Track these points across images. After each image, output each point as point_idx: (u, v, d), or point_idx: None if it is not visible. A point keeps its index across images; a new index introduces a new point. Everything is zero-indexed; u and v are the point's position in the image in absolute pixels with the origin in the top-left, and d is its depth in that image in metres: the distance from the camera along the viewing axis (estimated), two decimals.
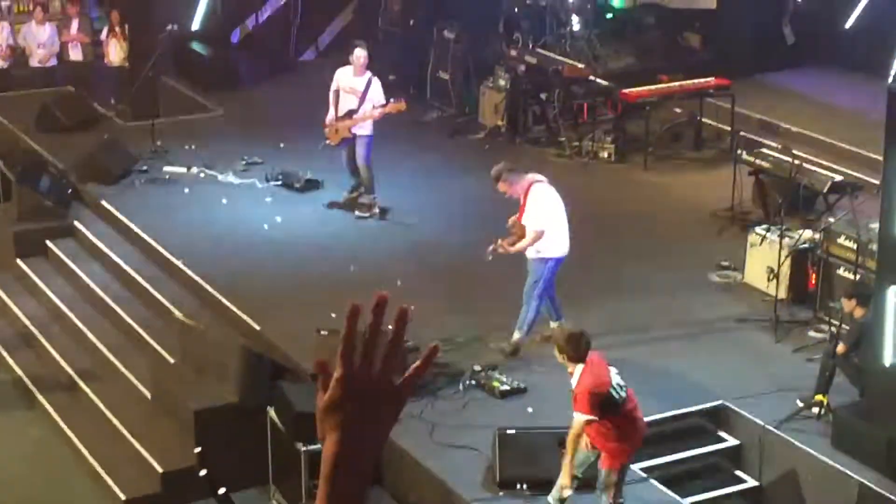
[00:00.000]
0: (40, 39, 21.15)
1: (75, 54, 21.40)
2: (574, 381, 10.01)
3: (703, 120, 18.36)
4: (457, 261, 14.60)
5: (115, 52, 20.92)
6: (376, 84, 15.70)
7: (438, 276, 14.42)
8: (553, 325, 12.54)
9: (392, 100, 15.78)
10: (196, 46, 21.79)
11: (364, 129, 15.73)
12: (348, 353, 2.94)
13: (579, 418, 9.93)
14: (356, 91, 15.65)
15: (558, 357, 10.21)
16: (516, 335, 12.54)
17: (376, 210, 15.91)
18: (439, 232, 15.55)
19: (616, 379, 10.09)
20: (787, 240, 13.55)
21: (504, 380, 12.10)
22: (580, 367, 10.01)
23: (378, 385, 2.94)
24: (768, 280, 13.66)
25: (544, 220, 12.27)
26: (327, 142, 16.00)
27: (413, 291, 13.98)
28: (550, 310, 12.67)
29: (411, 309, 2.98)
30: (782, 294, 13.45)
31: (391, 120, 18.79)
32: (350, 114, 15.67)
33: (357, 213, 15.91)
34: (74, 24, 21.39)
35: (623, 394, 10.08)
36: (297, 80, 21.41)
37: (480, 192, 16.65)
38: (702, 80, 18.56)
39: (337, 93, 15.82)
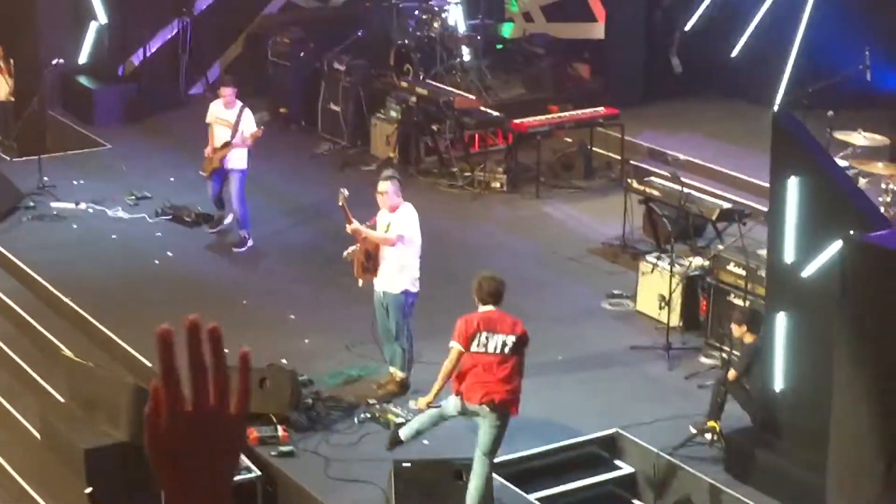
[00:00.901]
0: None
1: None
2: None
3: (594, 149, 18.50)
4: (349, 294, 14.55)
5: (0, 87, 20.61)
6: (248, 114, 15.74)
7: (331, 310, 14.34)
8: (392, 369, 12.58)
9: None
10: (83, 80, 21.54)
11: (237, 162, 15.68)
12: (173, 386, 2.66)
13: (451, 345, 10.75)
14: (228, 122, 15.68)
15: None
16: (400, 374, 12.48)
17: (250, 243, 15.88)
18: (332, 265, 15.48)
19: (498, 338, 10.60)
20: (677, 267, 13.67)
21: (399, 412, 12.06)
22: (481, 308, 10.81)
23: (213, 417, 2.67)
24: (660, 308, 13.77)
25: (409, 238, 12.18)
26: (200, 172, 15.99)
27: (307, 325, 13.96)
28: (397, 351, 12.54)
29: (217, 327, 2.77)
30: (674, 321, 13.57)
31: (284, 152, 18.75)
32: (226, 145, 15.66)
33: (234, 248, 15.89)
34: None
35: (491, 350, 10.61)
36: (186, 114, 21.22)
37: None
38: (591, 109, 18.72)
39: (211, 126, 15.83)
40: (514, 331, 10.67)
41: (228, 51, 22.79)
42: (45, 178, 17.68)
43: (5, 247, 16.06)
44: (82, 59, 21.72)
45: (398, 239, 12.13)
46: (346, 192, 12.43)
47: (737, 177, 17.39)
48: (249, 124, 15.69)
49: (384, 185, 12.30)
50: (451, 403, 10.83)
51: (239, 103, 15.78)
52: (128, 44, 21.77)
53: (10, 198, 17.20)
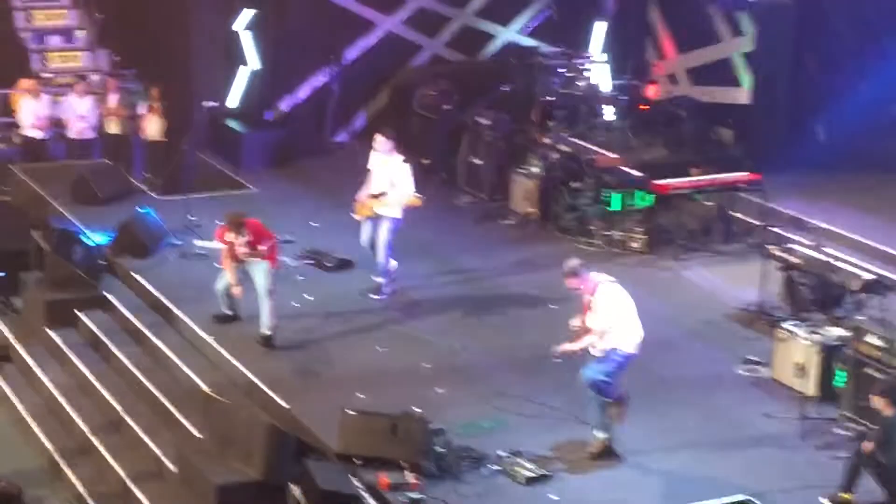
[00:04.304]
0: (79, 112, 21.41)
1: (113, 127, 21.63)
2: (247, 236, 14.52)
3: (734, 214, 18.42)
4: (485, 345, 14.67)
5: (153, 127, 21.16)
6: (404, 168, 15.82)
7: (466, 360, 14.43)
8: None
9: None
10: (232, 123, 22.01)
11: (391, 210, 15.83)
12: None
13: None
14: (384, 172, 15.81)
15: (235, 238, 14.52)
16: (601, 435, 12.38)
17: (385, 292, 16.01)
18: (464, 316, 15.63)
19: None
20: (816, 336, 13.55)
21: (529, 466, 12.08)
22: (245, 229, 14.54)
23: None
24: (795, 377, 13.65)
25: (612, 320, 12.11)
26: (353, 215, 16.11)
27: (439, 375, 14.07)
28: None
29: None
30: (810, 391, 13.43)
31: (424, 203, 18.91)
32: (381, 194, 15.79)
33: (370, 294, 16.07)
34: (113, 98, 21.64)
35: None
36: (330, 161, 21.64)
37: (511, 278, 16.76)
38: (733, 174, 18.65)
39: (370, 171, 15.98)
40: None
41: (374, 101, 23.13)
42: (191, 217, 18.05)
43: (149, 282, 16.44)
44: (232, 102, 22.19)
45: (602, 333, 12.10)
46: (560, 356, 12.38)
47: (880, 248, 17.19)
48: (400, 178, 15.74)
49: (569, 283, 12.30)
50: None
51: (399, 157, 15.85)
52: (277, 90, 22.21)
53: (157, 235, 17.60)
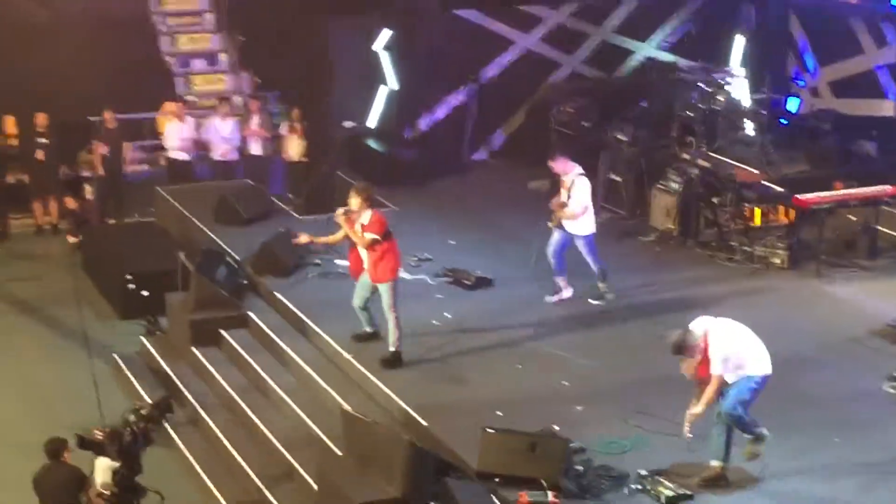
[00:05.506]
0: (223, 133, 21.78)
1: (255, 149, 21.98)
2: (365, 219, 14.39)
3: (879, 228, 18.10)
4: (627, 365, 14.60)
5: (294, 148, 21.46)
6: (579, 184, 15.96)
7: (607, 379, 14.37)
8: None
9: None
10: (372, 143, 22.20)
11: (578, 228, 16.02)
12: None
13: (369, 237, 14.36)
14: (566, 185, 16.03)
15: (355, 205, 14.37)
16: (715, 463, 12.04)
17: (609, 296, 16.32)
18: (603, 333, 15.56)
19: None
20: None
21: (670, 486, 11.96)
22: (370, 211, 14.39)
23: None
24: None
25: (727, 357, 11.73)
26: (548, 223, 16.34)
27: (579, 393, 14.01)
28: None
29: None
30: None
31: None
32: (563, 205, 16.05)
33: (590, 299, 16.40)
34: (255, 120, 21.98)
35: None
36: (469, 179, 21.72)
37: (652, 296, 16.64)
38: (878, 187, 18.33)
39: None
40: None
41: (513, 118, 23.17)
42: None
43: (291, 301, 16.62)
44: (371, 122, 22.39)
45: (720, 378, 11.74)
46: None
47: None
48: (578, 195, 15.92)
49: (683, 362, 11.90)
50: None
51: (575, 171, 16.02)
52: (416, 108, 22.35)
53: (298, 255, 17.81)
